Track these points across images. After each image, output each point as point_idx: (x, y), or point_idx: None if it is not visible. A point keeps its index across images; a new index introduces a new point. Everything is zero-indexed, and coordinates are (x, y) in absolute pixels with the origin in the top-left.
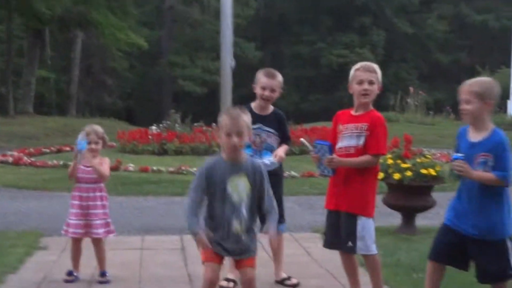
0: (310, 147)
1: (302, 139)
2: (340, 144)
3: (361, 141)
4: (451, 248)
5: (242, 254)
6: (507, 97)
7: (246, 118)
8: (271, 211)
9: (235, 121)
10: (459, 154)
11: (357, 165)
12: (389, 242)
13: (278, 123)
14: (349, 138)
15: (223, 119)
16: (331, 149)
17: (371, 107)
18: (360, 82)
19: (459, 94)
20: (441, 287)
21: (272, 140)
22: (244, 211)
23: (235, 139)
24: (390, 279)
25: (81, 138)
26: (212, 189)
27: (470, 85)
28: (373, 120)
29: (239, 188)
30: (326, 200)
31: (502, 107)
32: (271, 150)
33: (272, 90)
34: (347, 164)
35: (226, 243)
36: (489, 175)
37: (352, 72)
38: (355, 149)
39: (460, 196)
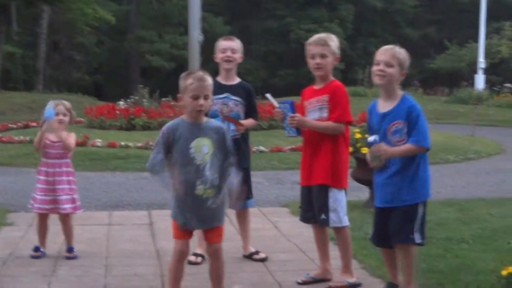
0: (276, 103)
1: (267, 94)
2: (308, 117)
3: (325, 113)
4: (383, 228)
5: (209, 222)
6: (475, 72)
7: (211, 80)
8: (229, 168)
9: (202, 83)
10: (372, 138)
11: (320, 128)
12: (357, 216)
13: (245, 93)
14: (312, 112)
15: (189, 82)
16: (293, 107)
17: (332, 78)
18: (312, 57)
19: (380, 55)
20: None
21: (239, 109)
22: (207, 172)
23: (202, 101)
24: (357, 253)
25: (49, 107)
26: (175, 151)
27: (395, 51)
28: (333, 90)
29: (202, 150)
30: (300, 176)
31: (470, 81)
32: (238, 119)
33: (233, 51)
34: (310, 125)
35: (192, 211)
36: (408, 146)
37: (306, 46)
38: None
39: (378, 170)
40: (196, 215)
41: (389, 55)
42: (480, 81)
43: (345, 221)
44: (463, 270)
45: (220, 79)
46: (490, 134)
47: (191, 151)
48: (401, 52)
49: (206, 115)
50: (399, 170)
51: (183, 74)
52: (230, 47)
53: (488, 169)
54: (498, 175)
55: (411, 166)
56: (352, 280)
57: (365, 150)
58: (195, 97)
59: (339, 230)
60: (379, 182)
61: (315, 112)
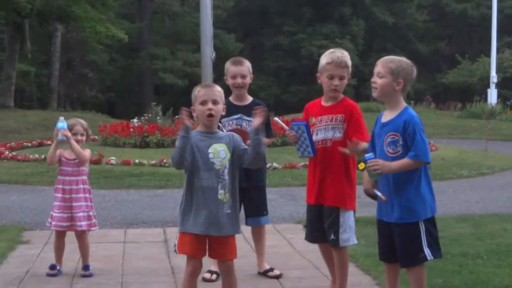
0: (285, 126)
1: (275, 118)
2: (316, 137)
3: (338, 133)
4: (387, 242)
5: (226, 229)
6: (487, 86)
7: (220, 88)
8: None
9: (209, 89)
10: (369, 155)
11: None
12: (371, 232)
13: None
14: (324, 130)
15: (197, 90)
16: (308, 128)
17: (342, 95)
18: (331, 77)
19: (375, 67)
20: None
21: None
22: (227, 177)
23: (211, 105)
24: (371, 269)
25: (60, 120)
26: (195, 158)
27: (386, 60)
28: (349, 110)
29: (220, 155)
30: (307, 194)
31: (482, 96)
32: None
33: (243, 76)
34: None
35: (211, 217)
36: (405, 161)
37: (322, 62)
38: (332, 141)
39: (378, 184)
40: (215, 221)
41: (380, 66)
42: (492, 95)
43: (354, 240)
44: (478, 285)
45: (232, 100)
46: (503, 149)
47: (210, 156)
48: (393, 61)
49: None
50: (399, 185)
51: (194, 88)
52: (239, 73)
53: (502, 184)
54: None
55: (411, 182)
56: None
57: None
58: (204, 103)
59: (339, 250)
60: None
61: (327, 131)
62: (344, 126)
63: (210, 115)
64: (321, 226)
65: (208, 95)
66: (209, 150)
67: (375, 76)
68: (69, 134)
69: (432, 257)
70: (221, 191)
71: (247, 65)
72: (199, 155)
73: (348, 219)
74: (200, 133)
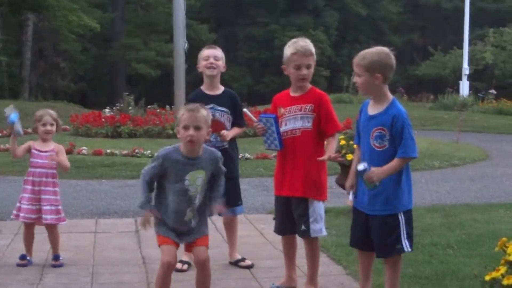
0: (254, 118)
1: (245, 109)
2: (285, 127)
3: (308, 123)
4: (362, 231)
5: (193, 236)
6: (460, 78)
7: (205, 112)
8: (217, 198)
9: (193, 114)
10: (362, 166)
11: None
12: (342, 222)
13: (231, 102)
14: (293, 120)
15: (182, 113)
16: (277, 121)
17: (310, 85)
18: (298, 67)
19: (353, 66)
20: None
21: (225, 119)
22: (197, 201)
23: (191, 132)
24: (342, 259)
25: (8, 111)
26: (168, 180)
27: (359, 58)
28: (318, 99)
29: (196, 182)
30: (275, 185)
31: (454, 88)
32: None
33: (216, 58)
34: (386, 175)
35: (177, 230)
36: (397, 161)
37: (287, 53)
38: (301, 131)
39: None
40: (184, 234)
41: (355, 66)
42: (464, 87)
43: (324, 231)
44: (448, 275)
45: (204, 89)
46: (474, 140)
47: (186, 183)
48: (365, 57)
49: None
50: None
51: (180, 108)
52: (213, 55)
53: (472, 175)
54: (483, 181)
55: (391, 176)
56: None
57: (350, 156)
58: (185, 128)
59: (311, 240)
60: (361, 185)
61: (296, 121)
62: (313, 116)
63: (191, 141)
64: (290, 218)
65: (191, 120)
66: (186, 177)
67: (355, 76)
68: (55, 158)
69: (409, 249)
70: (189, 213)
71: (220, 50)
72: (174, 179)
73: (318, 209)
74: (181, 156)
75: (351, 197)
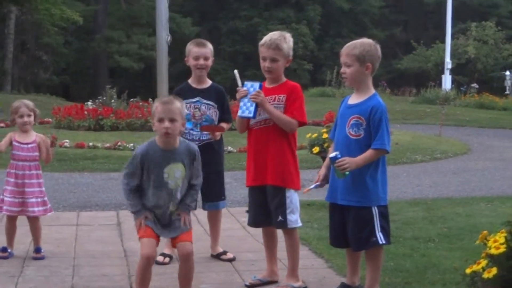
0: (240, 83)
1: (235, 71)
2: (259, 117)
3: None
4: (339, 228)
5: (178, 230)
6: (442, 72)
7: (179, 104)
8: (194, 191)
9: (167, 106)
10: (334, 154)
11: (275, 117)
12: (324, 215)
13: (217, 96)
14: None
15: (156, 106)
16: (261, 88)
17: (284, 78)
18: (263, 59)
19: (340, 57)
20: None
21: (212, 112)
22: (178, 195)
23: (167, 124)
24: (324, 252)
25: None
26: (147, 176)
27: (349, 48)
28: (291, 90)
29: (175, 175)
30: (247, 176)
31: (437, 82)
32: (211, 122)
33: (206, 58)
34: (268, 108)
35: (160, 224)
36: (371, 152)
37: (259, 47)
38: (274, 121)
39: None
40: (165, 229)
41: (345, 55)
42: (447, 81)
43: (299, 223)
44: (429, 268)
45: (191, 82)
46: (456, 134)
47: (164, 176)
48: (356, 46)
49: None
50: (355, 171)
51: (155, 101)
52: (202, 55)
53: (454, 168)
54: (464, 175)
55: (368, 168)
56: (297, 284)
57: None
58: (160, 120)
59: (290, 232)
60: (334, 178)
61: None
62: (285, 106)
63: (166, 134)
64: (265, 209)
65: (166, 112)
66: (164, 170)
67: (343, 66)
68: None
69: (384, 241)
70: (171, 208)
71: (209, 47)
72: (153, 173)
73: (294, 200)
74: (158, 148)
75: (312, 186)
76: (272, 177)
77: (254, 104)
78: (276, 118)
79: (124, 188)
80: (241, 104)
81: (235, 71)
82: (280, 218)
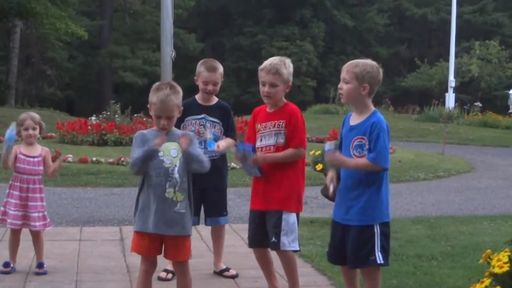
0: (233, 149)
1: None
2: (260, 143)
3: (281, 139)
4: (339, 245)
5: (176, 228)
6: (446, 90)
7: (175, 98)
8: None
9: (164, 105)
10: (328, 146)
11: (282, 159)
12: (327, 233)
13: (223, 113)
14: (268, 136)
15: (153, 100)
16: (255, 151)
17: (284, 101)
18: (263, 84)
19: (341, 73)
20: None
21: (217, 130)
22: (177, 175)
23: (164, 122)
24: (327, 269)
25: (10, 129)
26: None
27: (351, 66)
28: (290, 115)
29: (171, 154)
30: (251, 200)
31: (440, 100)
32: (216, 139)
33: (215, 84)
34: (271, 159)
35: (158, 214)
36: (363, 161)
37: (259, 71)
38: (275, 147)
39: (340, 183)
40: (163, 219)
41: (345, 72)
42: (450, 99)
43: (295, 246)
44: (432, 287)
45: (198, 99)
46: (460, 152)
47: (159, 154)
48: (358, 65)
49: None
50: (358, 187)
51: (154, 85)
52: (212, 81)
53: (457, 187)
54: (468, 193)
55: (370, 185)
56: None
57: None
58: (158, 117)
59: (284, 254)
60: (340, 196)
61: (270, 137)
62: (285, 131)
63: (163, 129)
64: (262, 230)
65: (163, 111)
66: (160, 149)
67: (341, 82)
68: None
69: (382, 261)
70: (169, 190)
71: (220, 72)
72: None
73: (290, 223)
74: (154, 131)
75: (332, 188)
76: (272, 201)
77: (257, 167)
78: (282, 160)
79: (135, 160)
80: (244, 165)
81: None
82: (274, 239)
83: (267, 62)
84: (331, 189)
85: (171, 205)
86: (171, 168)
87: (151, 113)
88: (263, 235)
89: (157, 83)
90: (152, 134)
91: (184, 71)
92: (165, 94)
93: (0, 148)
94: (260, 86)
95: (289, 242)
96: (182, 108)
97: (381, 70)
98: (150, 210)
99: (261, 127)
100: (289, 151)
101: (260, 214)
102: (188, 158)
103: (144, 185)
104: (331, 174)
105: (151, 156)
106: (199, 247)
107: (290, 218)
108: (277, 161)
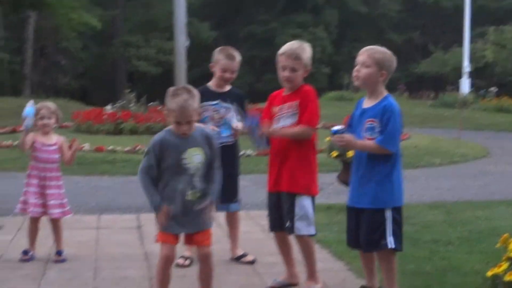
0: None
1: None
2: (276, 125)
3: (297, 119)
4: (354, 229)
5: (197, 225)
6: (460, 76)
7: (193, 102)
8: (214, 182)
9: (184, 110)
10: (337, 127)
11: (288, 135)
12: (344, 219)
13: (237, 100)
14: (284, 118)
15: (172, 106)
16: (258, 124)
17: (302, 83)
18: (283, 68)
19: (358, 57)
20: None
21: (230, 116)
22: (197, 181)
23: (184, 128)
24: (344, 255)
25: (29, 106)
26: (166, 163)
27: (372, 51)
28: (304, 95)
29: (195, 160)
30: (267, 182)
31: (455, 86)
32: (230, 126)
33: (232, 72)
34: (279, 134)
35: (181, 217)
36: (370, 143)
37: (278, 56)
38: None
39: (353, 167)
40: (184, 220)
41: (366, 56)
42: (465, 85)
43: (311, 230)
44: (449, 271)
45: (212, 85)
46: (475, 138)
47: (184, 161)
48: (378, 52)
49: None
50: (370, 171)
51: (171, 91)
52: (230, 69)
53: (473, 172)
54: (484, 178)
55: (382, 170)
56: (317, 286)
57: (350, 153)
58: (178, 123)
59: (299, 238)
60: (352, 180)
61: (287, 119)
62: (299, 111)
63: (184, 134)
64: (280, 214)
65: (183, 117)
66: (184, 156)
67: (359, 65)
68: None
69: (393, 246)
70: (190, 192)
71: (238, 60)
72: (172, 159)
73: (305, 207)
74: (175, 135)
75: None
76: (286, 184)
77: (264, 138)
78: (290, 136)
79: (143, 183)
80: (254, 139)
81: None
82: (288, 223)
83: (286, 47)
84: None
85: (191, 205)
86: (195, 174)
87: (170, 119)
88: (280, 219)
89: (172, 88)
90: (173, 138)
91: (197, 59)
92: (184, 99)
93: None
94: (280, 70)
95: (304, 226)
96: (200, 111)
97: (395, 60)
98: (173, 215)
99: (277, 110)
100: (297, 128)
101: (275, 196)
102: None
103: (162, 186)
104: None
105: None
106: (215, 233)
107: (303, 202)
108: (284, 136)
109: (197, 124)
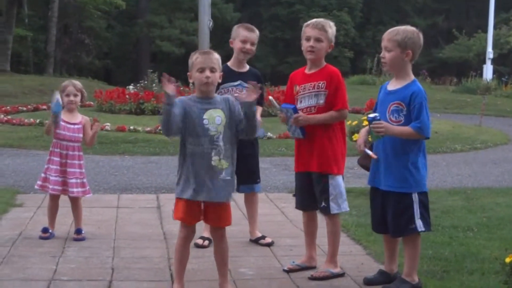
0: (278, 106)
1: (270, 97)
2: (300, 105)
3: (321, 100)
4: (380, 214)
5: (218, 195)
6: (484, 62)
7: (217, 56)
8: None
9: (207, 56)
10: (373, 115)
11: (324, 121)
12: (363, 203)
13: (256, 80)
14: (308, 98)
15: (196, 57)
16: (296, 111)
17: (324, 63)
18: (307, 39)
19: (382, 41)
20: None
21: None
22: (221, 143)
23: (208, 73)
24: (362, 238)
25: (56, 100)
26: (188, 123)
27: (392, 34)
28: (331, 76)
29: (215, 121)
30: (295, 163)
31: (478, 71)
32: None
33: (252, 43)
34: (314, 121)
35: (204, 182)
36: (407, 129)
37: (303, 28)
38: (316, 108)
39: (373, 149)
40: (207, 187)
41: (386, 40)
42: (488, 71)
43: (344, 207)
44: (468, 257)
45: (231, 65)
46: (497, 124)
47: (204, 122)
48: (398, 33)
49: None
50: (397, 155)
51: (191, 54)
52: (250, 40)
53: (494, 158)
54: (505, 165)
55: (410, 154)
56: (335, 270)
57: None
58: (201, 70)
59: (333, 218)
60: (377, 164)
61: (310, 98)
62: (326, 93)
63: (207, 84)
64: (310, 195)
65: (206, 62)
66: (204, 116)
67: (383, 51)
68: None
69: (423, 229)
70: (215, 157)
71: (257, 33)
72: (193, 121)
73: (338, 186)
74: (195, 98)
75: (370, 152)
76: (316, 164)
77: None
78: (325, 122)
79: (164, 132)
80: (288, 126)
81: (270, 98)
82: (323, 204)
83: (312, 20)
84: (369, 152)
85: (217, 173)
86: (216, 136)
87: (193, 75)
88: (310, 198)
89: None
90: (194, 100)
91: (221, 41)
92: (207, 49)
93: (39, 116)
94: (304, 42)
95: (339, 205)
96: (222, 73)
97: (421, 35)
98: (191, 177)
99: (300, 89)
100: (333, 113)
101: (305, 176)
102: (247, 116)
103: (185, 152)
104: (362, 138)
105: (169, 111)
106: (234, 215)
107: (336, 181)
108: (320, 122)
109: (217, 95)
